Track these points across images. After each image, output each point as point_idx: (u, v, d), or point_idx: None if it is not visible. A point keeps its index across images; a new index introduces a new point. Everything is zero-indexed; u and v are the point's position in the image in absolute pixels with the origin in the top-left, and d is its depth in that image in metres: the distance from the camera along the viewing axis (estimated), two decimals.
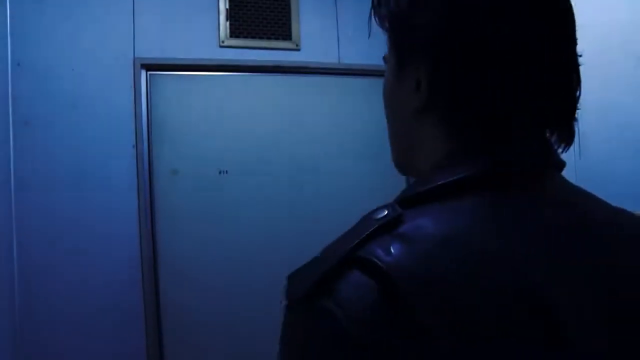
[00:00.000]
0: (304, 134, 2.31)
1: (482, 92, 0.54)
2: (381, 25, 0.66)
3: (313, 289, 0.44)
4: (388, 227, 0.47)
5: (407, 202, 0.52)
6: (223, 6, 2.23)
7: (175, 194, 2.12)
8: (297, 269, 0.50)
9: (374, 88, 2.37)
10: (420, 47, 0.58)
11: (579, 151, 1.47)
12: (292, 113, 2.31)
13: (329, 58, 2.38)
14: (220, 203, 2.17)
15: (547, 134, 0.57)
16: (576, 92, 0.57)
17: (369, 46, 2.37)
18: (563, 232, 0.51)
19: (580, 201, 0.56)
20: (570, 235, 0.51)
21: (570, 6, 0.57)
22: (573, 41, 0.57)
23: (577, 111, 0.57)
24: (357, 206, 2.32)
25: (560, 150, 0.58)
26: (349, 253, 0.45)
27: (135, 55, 2.09)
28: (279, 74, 2.33)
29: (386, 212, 0.49)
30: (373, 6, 0.67)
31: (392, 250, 0.45)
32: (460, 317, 0.41)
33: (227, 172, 2.19)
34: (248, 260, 2.18)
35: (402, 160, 0.69)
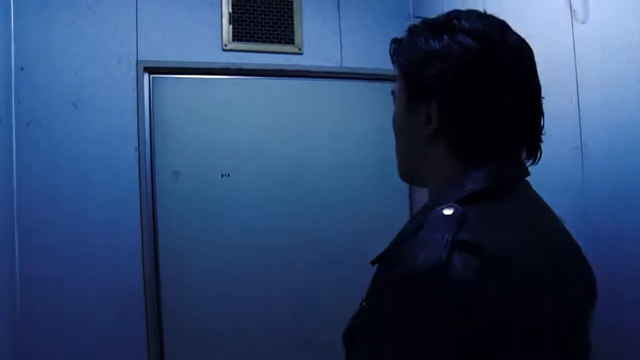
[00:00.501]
0: (307, 137, 2.31)
1: (481, 127, 0.74)
2: (397, 69, 0.86)
3: (437, 266, 0.59)
4: (463, 220, 0.65)
5: (462, 201, 0.69)
6: (226, 10, 2.24)
7: (177, 196, 2.12)
8: (397, 252, 0.69)
9: (377, 92, 2.37)
10: (432, 90, 0.77)
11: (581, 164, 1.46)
12: (295, 117, 2.31)
13: (331, 62, 2.38)
14: (222, 206, 2.17)
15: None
16: (541, 121, 0.80)
17: (372, 50, 2.37)
18: (550, 225, 0.79)
19: (542, 201, 0.81)
20: (553, 227, 0.79)
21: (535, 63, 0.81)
22: (540, 87, 0.80)
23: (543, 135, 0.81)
24: (359, 209, 2.34)
25: (528, 163, 0.81)
26: (455, 238, 0.62)
27: (138, 59, 2.10)
28: (282, 77, 2.33)
29: (453, 210, 0.66)
30: (390, 54, 0.87)
31: (480, 236, 0.63)
32: (522, 270, 0.65)
33: (229, 175, 2.19)
34: (249, 263, 2.18)
35: (409, 174, 0.91)
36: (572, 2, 1.49)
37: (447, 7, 2.20)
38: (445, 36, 0.76)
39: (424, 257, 0.61)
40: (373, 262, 0.74)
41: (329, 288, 2.25)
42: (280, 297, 2.20)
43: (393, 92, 0.90)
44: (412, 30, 0.84)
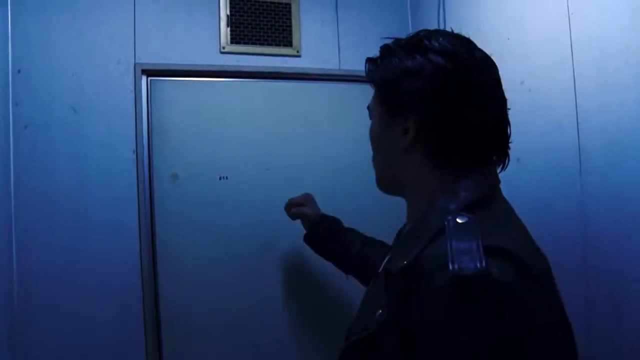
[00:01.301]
0: (305, 139, 2.31)
1: (454, 136, 0.81)
2: (372, 84, 0.98)
3: (478, 272, 0.62)
4: (480, 227, 0.69)
5: (464, 210, 0.74)
6: (224, 12, 2.24)
7: (175, 199, 2.12)
8: (424, 262, 0.70)
9: None
10: (407, 105, 0.85)
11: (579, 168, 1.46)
12: (293, 119, 2.31)
13: (329, 64, 2.38)
14: (221, 208, 2.17)
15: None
16: (508, 130, 0.86)
17: (370, 53, 2.37)
18: (524, 227, 0.83)
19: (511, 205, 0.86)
20: (526, 229, 0.83)
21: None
22: (505, 99, 0.87)
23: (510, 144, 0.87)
24: (358, 211, 2.34)
25: (499, 170, 0.87)
26: (484, 244, 0.65)
27: (136, 61, 2.10)
28: (280, 80, 2.33)
29: (467, 219, 0.71)
30: (366, 72, 0.99)
31: (500, 241, 0.68)
32: (540, 271, 0.70)
33: (227, 178, 2.19)
34: (248, 266, 2.17)
35: (387, 183, 1.01)
36: (570, 5, 1.49)
37: (445, 9, 2.20)
38: (417, 55, 0.84)
39: (463, 265, 0.64)
40: (397, 272, 0.73)
41: (329, 289, 2.25)
42: (279, 297, 2.20)
43: (368, 107, 1.03)
44: (386, 50, 0.94)
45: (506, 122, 0.86)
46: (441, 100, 0.81)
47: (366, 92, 2.35)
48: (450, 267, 0.64)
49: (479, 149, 0.83)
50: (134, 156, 2.06)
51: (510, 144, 0.87)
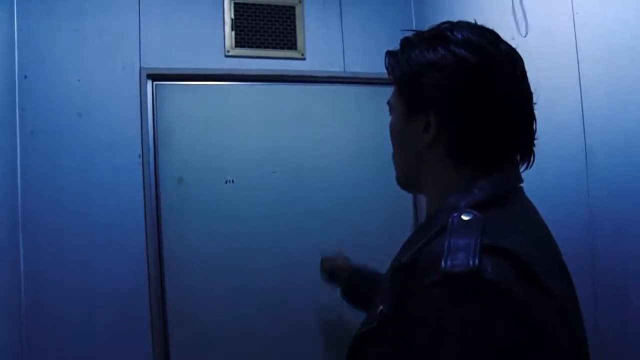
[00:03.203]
0: (310, 142, 2.31)
1: (477, 133, 0.78)
2: (394, 80, 0.89)
3: (470, 270, 0.61)
4: (483, 225, 0.67)
5: (473, 208, 0.72)
6: (228, 16, 2.25)
7: (181, 203, 2.12)
8: (423, 259, 0.68)
9: (380, 96, 2.35)
10: (429, 100, 0.80)
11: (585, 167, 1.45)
12: (298, 122, 2.31)
13: (334, 67, 2.38)
14: (227, 212, 2.17)
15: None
16: (534, 126, 0.83)
17: (374, 55, 2.37)
18: (544, 228, 0.81)
19: (533, 205, 0.84)
20: (547, 230, 0.81)
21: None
22: (531, 94, 0.83)
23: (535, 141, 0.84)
24: (364, 213, 2.34)
25: (522, 168, 0.84)
26: (481, 243, 0.63)
27: (142, 66, 2.11)
28: (285, 83, 2.33)
29: (472, 216, 0.69)
30: (386, 67, 0.90)
31: (502, 240, 0.65)
32: (543, 272, 0.66)
33: (232, 181, 2.19)
34: (254, 268, 2.17)
35: (407, 180, 0.94)
36: (574, 4, 1.49)
37: (451, 10, 2.20)
38: (439, 48, 0.80)
39: (456, 262, 0.62)
40: (398, 268, 0.73)
41: (335, 294, 2.24)
42: (285, 300, 2.20)
43: (389, 103, 0.94)
44: (407, 43, 0.87)
45: (532, 118, 0.82)
46: (464, 94, 0.77)
47: (371, 94, 2.37)
48: (443, 263, 0.63)
49: (502, 145, 0.80)
50: (140, 160, 2.07)
51: (535, 141, 0.84)
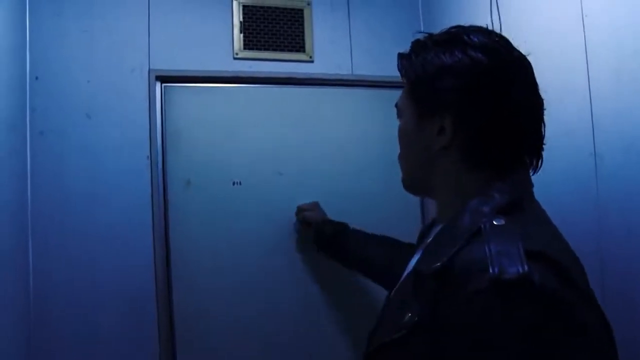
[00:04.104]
0: (318, 145, 2.31)
1: (493, 137, 0.79)
2: (407, 82, 0.89)
3: (521, 276, 0.61)
4: (518, 231, 0.68)
5: (499, 213, 0.73)
6: (237, 19, 2.26)
7: (189, 204, 2.13)
8: (460, 265, 0.68)
9: (388, 99, 2.35)
10: (445, 103, 0.81)
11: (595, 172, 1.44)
12: (306, 124, 2.31)
13: (342, 69, 2.38)
14: (234, 214, 2.18)
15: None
16: (543, 130, 0.84)
17: (383, 57, 2.37)
18: (558, 231, 0.79)
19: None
20: (560, 233, 0.79)
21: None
22: (542, 99, 0.85)
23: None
24: (371, 215, 2.33)
25: (532, 172, 0.85)
26: (525, 248, 0.64)
27: (150, 67, 2.12)
28: (293, 85, 2.34)
29: (504, 222, 0.70)
30: (399, 69, 0.90)
31: (539, 245, 0.66)
32: (578, 276, 0.68)
33: (240, 183, 2.20)
34: (262, 270, 2.17)
35: (416, 183, 0.94)
36: (584, 7, 1.48)
37: (459, 14, 2.20)
38: (456, 51, 0.80)
39: (505, 269, 0.62)
40: (430, 275, 0.71)
41: (342, 293, 2.24)
42: (293, 301, 2.20)
43: (397, 105, 0.94)
44: (419, 46, 0.87)
45: (542, 122, 0.84)
46: (480, 97, 0.78)
47: (378, 97, 2.37)
48: (491, 270, 0.62)
49: (515, 149, 0.81)
50: (148, 162, 2.08)
51: (544, 146, 0.85)
